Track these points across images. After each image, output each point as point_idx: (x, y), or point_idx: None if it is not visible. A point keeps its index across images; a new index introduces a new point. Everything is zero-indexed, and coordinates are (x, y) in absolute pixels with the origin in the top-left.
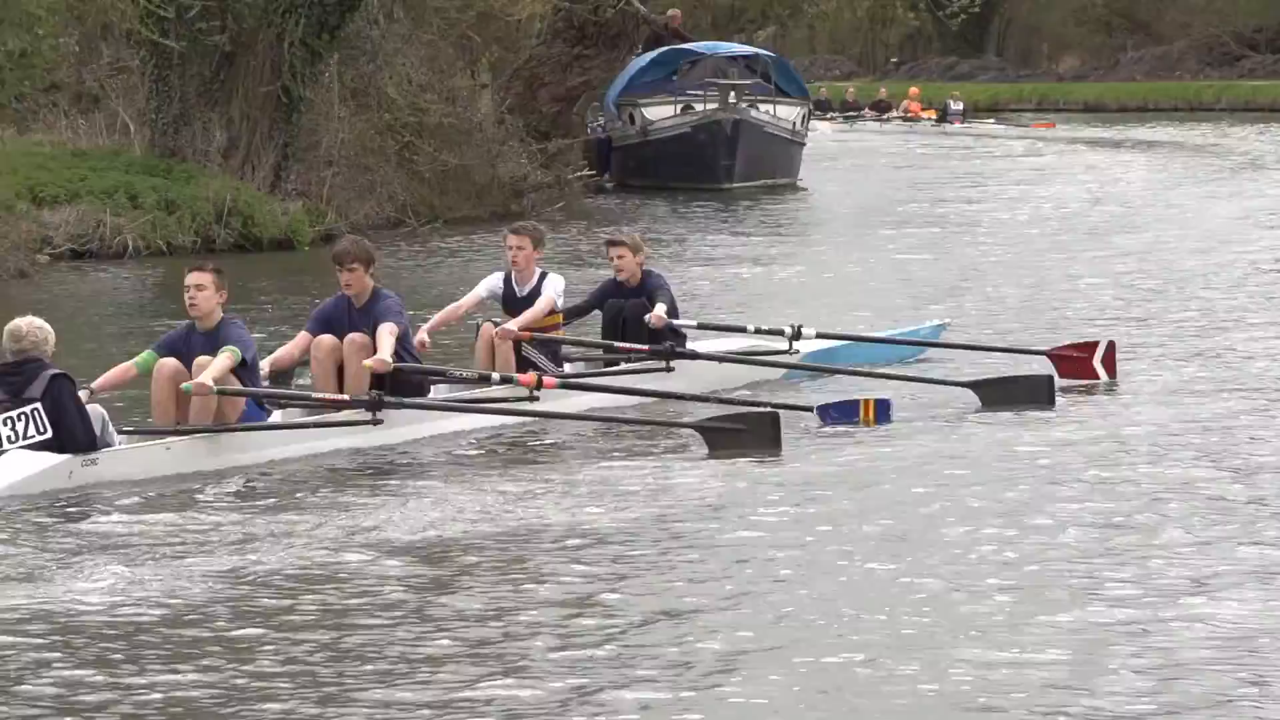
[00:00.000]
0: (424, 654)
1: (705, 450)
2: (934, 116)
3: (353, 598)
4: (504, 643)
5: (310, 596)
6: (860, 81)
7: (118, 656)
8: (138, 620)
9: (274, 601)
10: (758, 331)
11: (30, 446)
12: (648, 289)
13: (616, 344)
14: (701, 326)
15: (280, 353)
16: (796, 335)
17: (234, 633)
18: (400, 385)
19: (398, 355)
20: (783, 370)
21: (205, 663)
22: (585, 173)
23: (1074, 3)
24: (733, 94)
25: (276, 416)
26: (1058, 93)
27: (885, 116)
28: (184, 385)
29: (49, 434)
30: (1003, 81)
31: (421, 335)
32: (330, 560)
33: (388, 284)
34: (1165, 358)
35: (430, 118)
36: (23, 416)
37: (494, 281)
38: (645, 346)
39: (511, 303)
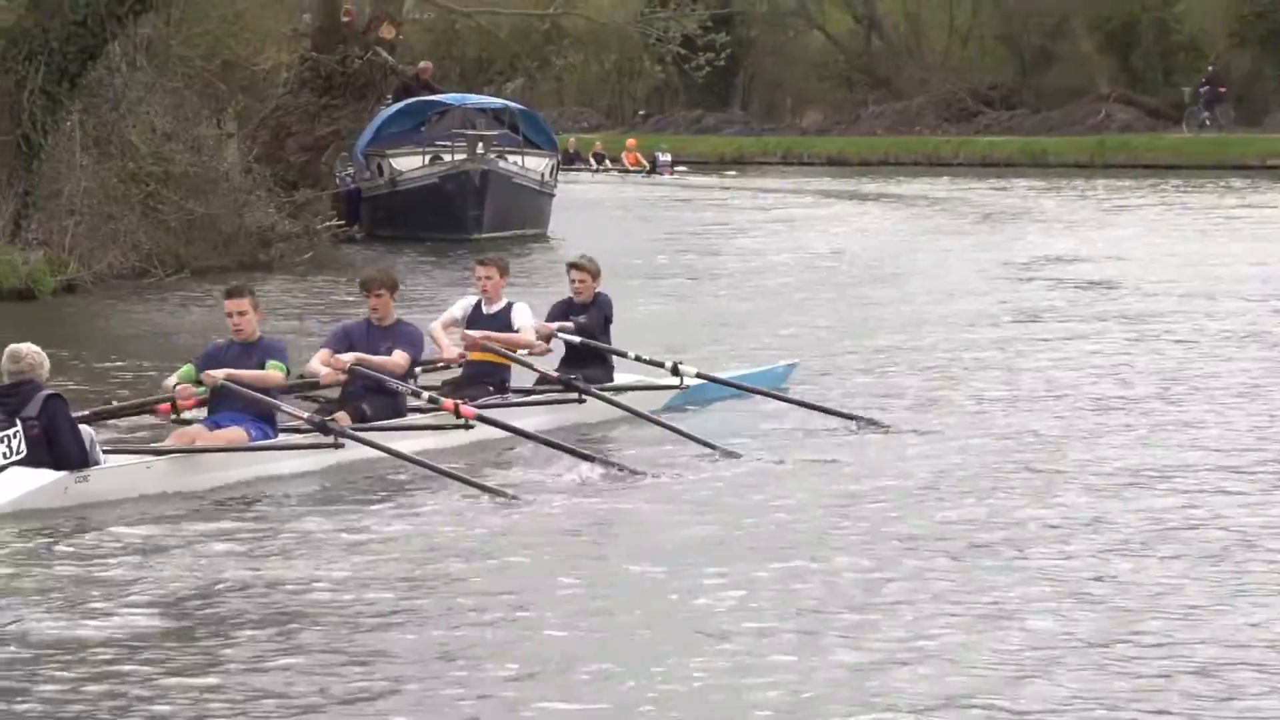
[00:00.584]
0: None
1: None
2: (645, 167)
3: (328, 605)
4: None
5: (277, 603)
6: (609, 134)
7: (120, 666)
8: (133, 627)
9: (254, 606)
10: (638, 359)
11: (18, 463)
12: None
13: (536, 370)
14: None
15: (312, 365)
16: (675, 371)
17: (223, 639)
18: (379, 405)
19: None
20: (669, 397)
21: (196, 667)
22: (334, 223)
23: (816, 58)
24: (480, 144)
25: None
26: (801, 146)
27: (599, 168)
28: (201, 378)
29: (24, 454)
30: (747, 135)
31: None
32: (289, 569)
33: (132, 334)
34: (928, 402)
35: (175, 166)
36: (17, 435)
37: (466, 302)
38: (557, 379)
39: (479, 321)
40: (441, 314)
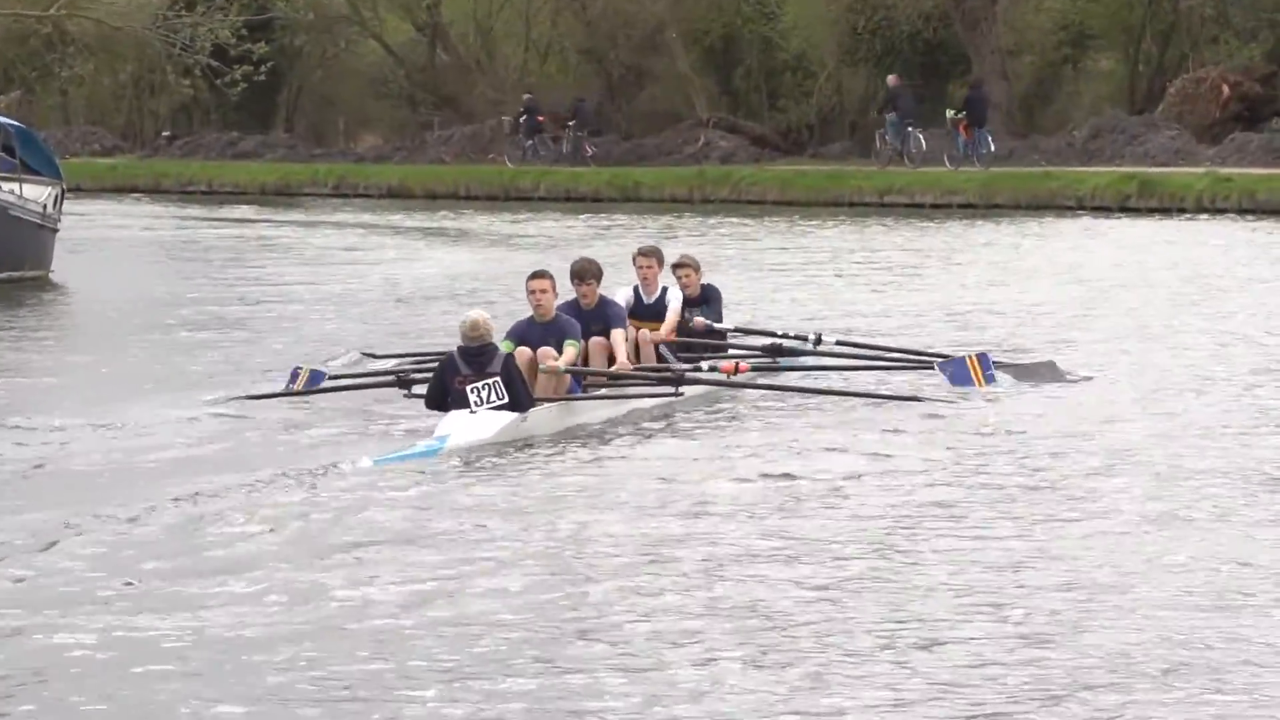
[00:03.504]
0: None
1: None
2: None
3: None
4: None
5: None
6: (128, 157)
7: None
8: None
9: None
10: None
11: (493, 409)
12: (705, 299)
13: (631, 372)
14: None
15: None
16: (818, 340)
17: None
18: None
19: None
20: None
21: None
22: None
23: (372, 73)
24: None
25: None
26: (357, 175)
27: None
28: (543, 367)
29: (506, 399)
30: (295, 161)
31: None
32: None
33: None
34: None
35: None
36: (487, 387)
37: (626, 293)
38: (655, 372)
39: (640, 310)
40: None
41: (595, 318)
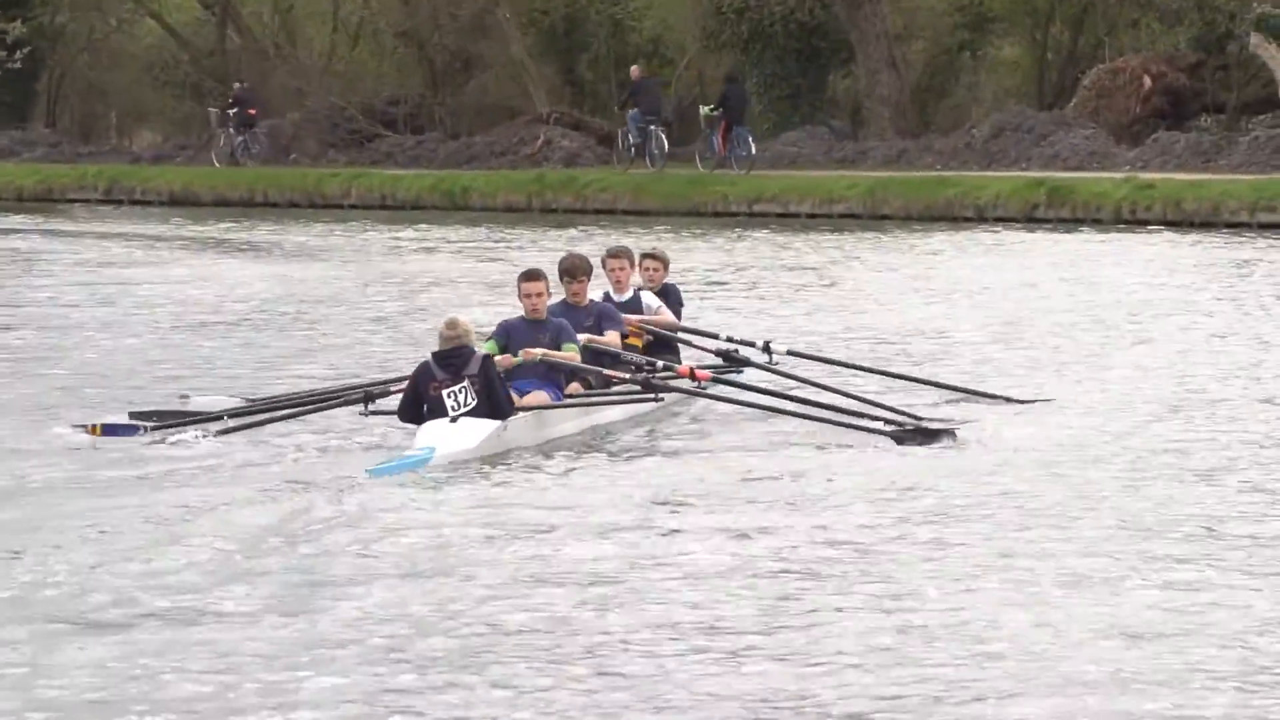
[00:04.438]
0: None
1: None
2: None
3: None
4: None
5: None
6: None
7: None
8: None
9: None
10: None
11: (467, 414)
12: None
13: (604, 371)
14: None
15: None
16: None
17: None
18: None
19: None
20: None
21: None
22: None
23: (151, 58)
24: None
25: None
26: (134, 178)
27: None
28: (520, 355)
29: (477, 403)
30: (58, 161)
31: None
32: None
33: None
34: None
35: None
36: (462, 390)
37: (596, 298)
38: (629, 377)
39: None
40: None
41: (586, 316)
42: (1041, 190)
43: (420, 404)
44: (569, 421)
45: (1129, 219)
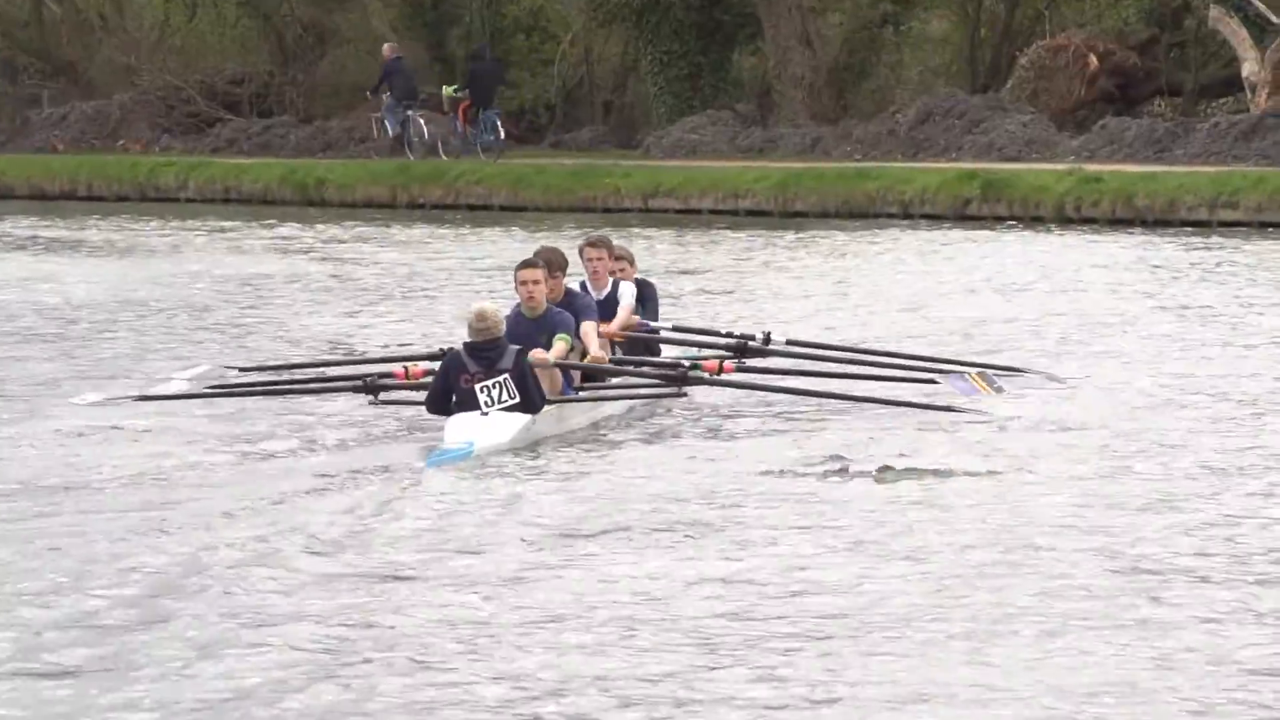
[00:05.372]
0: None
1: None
2: None
3: None
4: None
5: None
6: None
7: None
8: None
9: None
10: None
11: (504, 410)
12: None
13: (629, 368)
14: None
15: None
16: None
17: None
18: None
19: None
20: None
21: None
22: None
23: None
24: None
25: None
26: None
27: None
28: (533, 359)
29: (518, 399)
30: None
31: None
32: None
33: None
34: None
35: None
36: (498, 385)
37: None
38: (657, 372)
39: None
40: None
41: (563, 308)
42: (974, 184)
43: (449, 395)
44: (595, 413)
45: (1073, 216)
